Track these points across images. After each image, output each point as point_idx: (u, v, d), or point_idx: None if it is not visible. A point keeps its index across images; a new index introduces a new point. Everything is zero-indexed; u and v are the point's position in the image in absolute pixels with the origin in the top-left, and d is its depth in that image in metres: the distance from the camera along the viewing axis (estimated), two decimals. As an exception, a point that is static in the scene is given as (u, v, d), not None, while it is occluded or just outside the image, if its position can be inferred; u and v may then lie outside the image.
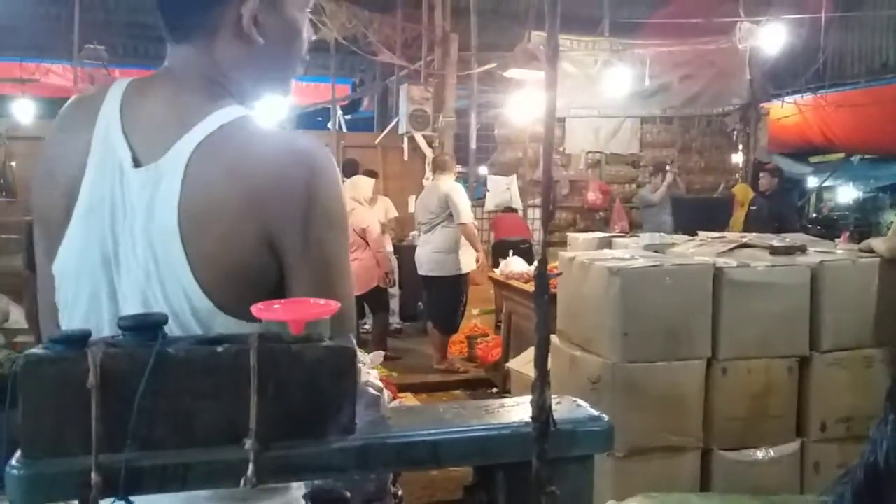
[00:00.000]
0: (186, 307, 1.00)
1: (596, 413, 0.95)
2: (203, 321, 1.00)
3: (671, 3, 8.62)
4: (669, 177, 8.28)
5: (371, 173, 7.32)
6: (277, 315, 0.84)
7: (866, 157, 12.25)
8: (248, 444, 0.80)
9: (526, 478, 0.86)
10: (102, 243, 1.04)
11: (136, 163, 1.03)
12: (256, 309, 0.85)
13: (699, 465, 2.86)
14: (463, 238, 6.09)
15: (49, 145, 1.14)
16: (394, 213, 7.60)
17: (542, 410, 0.76)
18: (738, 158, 9.57)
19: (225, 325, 1.00)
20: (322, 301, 0.88)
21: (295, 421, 0.83)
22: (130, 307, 1.02)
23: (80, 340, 0.79)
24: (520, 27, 8.27)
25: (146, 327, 0.81)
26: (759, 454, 2.87)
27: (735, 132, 9.41)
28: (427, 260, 6.17)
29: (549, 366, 2.88)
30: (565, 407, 0.96)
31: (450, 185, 6.12)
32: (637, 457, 2.74)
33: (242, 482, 0.79)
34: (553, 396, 0.90)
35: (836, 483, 0.43)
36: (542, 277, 0.77)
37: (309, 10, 1.21)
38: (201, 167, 1.01)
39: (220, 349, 0.81)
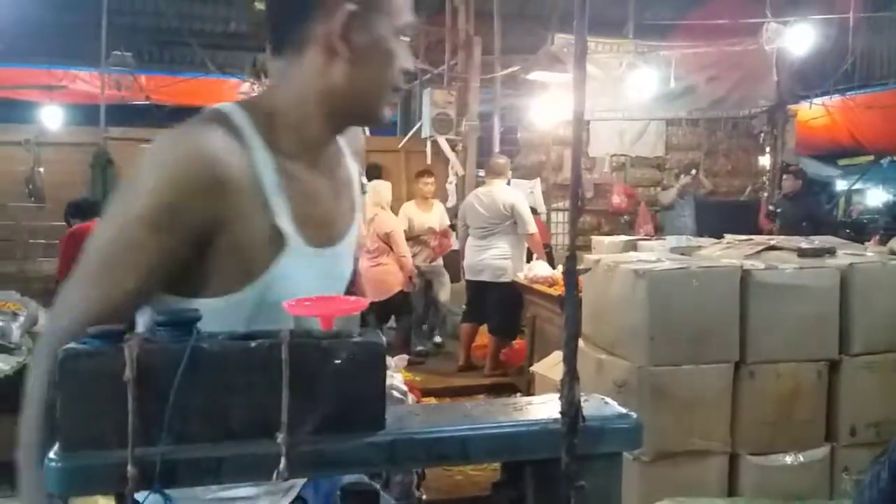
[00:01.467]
0: None
1: (624, 410, 0.95)
2: None
3: (697, 4, 8.56)
4: (684, 179, 8.23)
5: (376, 170, 7.32)
6: (309, 311, 0.85)
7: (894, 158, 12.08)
8: (280, 438, 0.81)
9: (554, 475, 0.86)
10: None
11: None
12: (288, 305, 0.86)
13: (727, 470, 2.84)
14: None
15: None
16: (447, 220, 7.28)
17: (571, 405, 0.76)
18: (765, 161, 9.47)
19: None
20: (352, 298, 0.89)
21: (325, 415, 0.84)
22: None
23: (116, 335, 0.81)
24: (543, 30, 8.25)
25: (181, 323, 0.83)
26: (788, 459, 2.84)
27: (762, 134, 9.31)
28: (489, 266, 6.08)
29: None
30: (593, 405, 0.96)
31: (513, 195, 6.11)
32: (664, 461, 2.73)
33: (275, 475, 0.80)
34: (581, 394, 0.91)
35: (873, 462, 0.43)
36: (570, 274, 0.78)
37: (407, 38, 1.18)
38: None
39: (253, 344, 0.82)
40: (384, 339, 0.88)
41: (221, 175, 1.04)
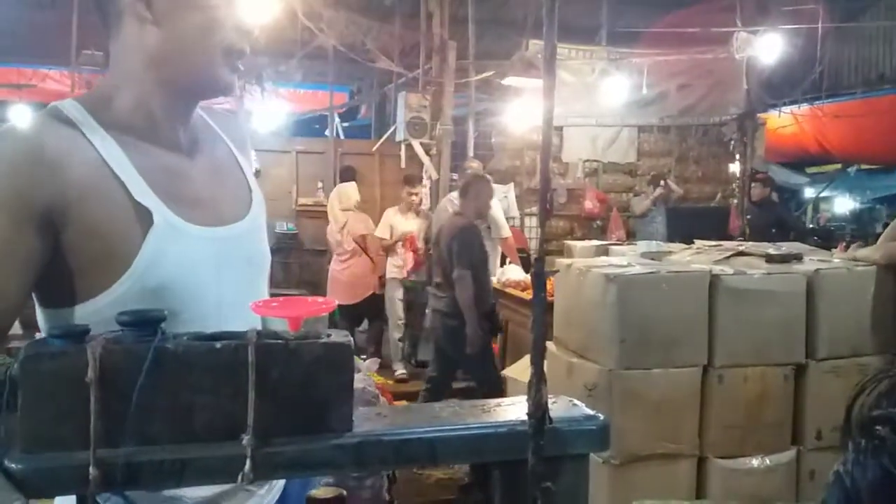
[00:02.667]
0: None
1: (592, 412, 0.95)
2: None
3: (669, 12, 8.65)
4: (659, 191, 8.31)
5: (350, 172, 7.26)
6: (275, 312, 0.85)
7: (863, 167, 12.29)
8: (246, 439, 0.80)
9: (522, 476, 0.86)
10: None
11: None
12: (255, 306, 0.86)
13: (695, 473, 2.86)
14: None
15: None
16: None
17: (538, 406, 0.77)
18: (735, 168, 9.59)
19: None
20: (320, 299, 0.88)
21: (292, 417, 0.84)
22: None
23: (79, 335, 0.80)
24: (518, 35, 8.28)
25: (145, 323, 0.82)
26: (755, 462, 2.87)
27: (732, 142, 9.42)
28: None
29: (546, 369, 2.87)
30: (561, 406, 0.97)
31: None
32: (633, 464, 2.75)
33: (240, 478, 0.80)
34: (549, 396, 0.91)
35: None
36: (538, 276, 0.78)
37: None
38: None
39: (218, 345, 0.82)
40: (353, 341, 0.88)
41: (52, 153, 1.02)
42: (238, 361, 0.81)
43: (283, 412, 0.83)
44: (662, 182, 8.45)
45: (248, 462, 0.80)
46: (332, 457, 0.84)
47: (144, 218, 1.06)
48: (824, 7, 8.02)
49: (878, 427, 0.40)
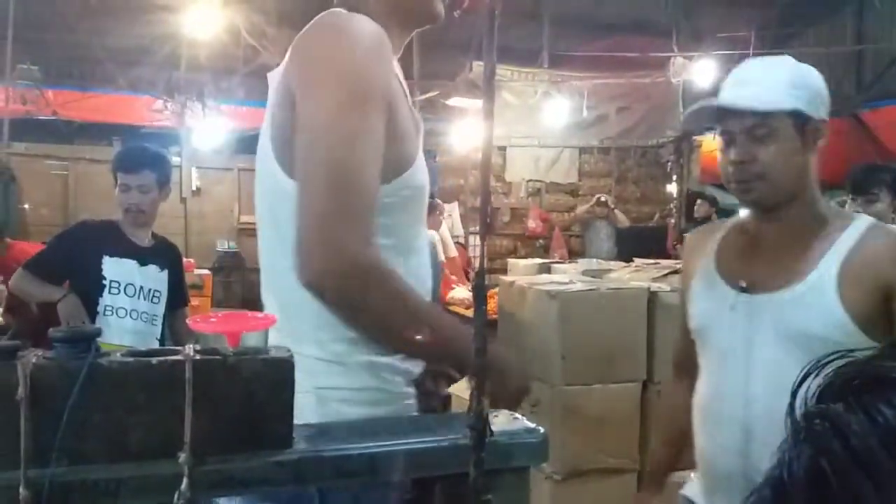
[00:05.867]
0: (270, 176, 1.18)
1: (532, 425, 0.97)
2: (276, 186, 1.15)
3: (608, 37, 8.85)
4: (589, 205, 8.50)
5: None
6: (213, 328, 0.84)
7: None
8: (183, 457, 0.79)
9: (464, 490, 0.87)
10: None
11: None
12: (193, 321, 0.85)
13: (635, 487, 2.90)
14: None
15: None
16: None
17: (479, 419, 0.77)
18: (672, 188, 9.83)
19: (290, 188, 1.10)
20: (260, 314, 0.88)
21: (231, 434, 0.83)
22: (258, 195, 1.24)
23: (10, 352, 0.78)
24: (462, 57, 8.38)
25: (78, 339, 0.80)
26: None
27: (669, 163, 9.67)
28: None
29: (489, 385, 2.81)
30: (502, 420, 0.98)
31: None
32: (575, 479, 2.77)
33: (176, 497, 0.78)
34: (491, 410, 0.92)
35: (744, 501, 0.45)
36: (479, 289, 0.79)
37: None
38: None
39: (154, 362, 0.80)
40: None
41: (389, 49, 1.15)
42: (175, 378, 0.80)
43: (221, 429, 0.82)
44: (603, 197, 8.60)
45: (185, 480, 0.78)
46: (271, 474, 0.83)
47: (417, 127, 1.21)
48: (756, 34, 8.32)
49: (816, 421, 0.41)
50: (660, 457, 1.86)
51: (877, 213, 3.07)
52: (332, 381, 1.11)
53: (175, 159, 7.74)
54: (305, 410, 1.01)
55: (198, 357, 0.81)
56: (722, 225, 1.61)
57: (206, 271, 7.55)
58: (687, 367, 1.62)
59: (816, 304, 1.32)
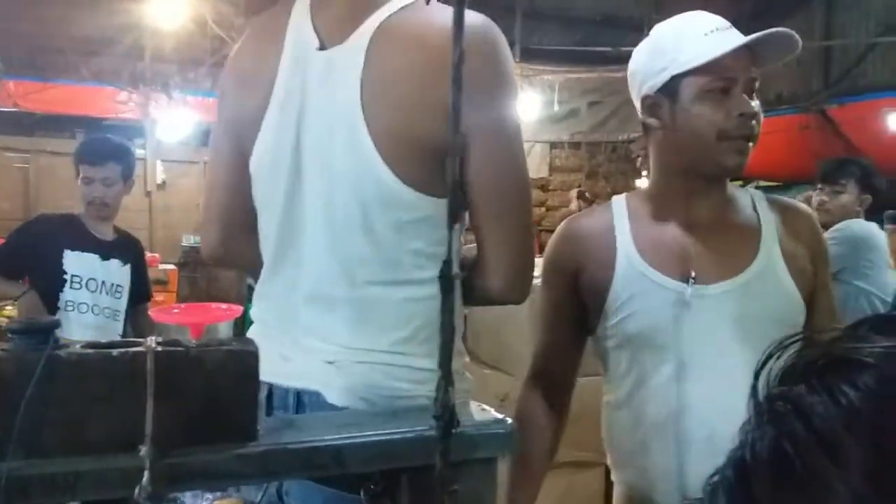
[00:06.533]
0: (369, 184, 1.04)
1: (500, 416, 0.96)
2: (387, 199, 1.04)
3: (580, 31, 8.89)
4: (581, 204, 8.55)
5: None
6: (176, 319, 0.82)
7: (762, 184, 12.90)
8: (144, 451, 0.77)
9: (430, 481, 0.86)
10: (294, 134, 1.09)
11: (322, 47, 1.09)
12: (155, 312, 0.83)
13: (604, 480, 2.92)
14: None
15: (241, 53, 1.21)
16: None
17: (445, 409, 0.77)
18: (641, 184, 9.92)
19: (410, 202, 1.04)
20: (224, 306, 0.86)
21: (194, 427, 0.81)
22: (313, 196, 1.08)
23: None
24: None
25: (36, 331, 0.78)
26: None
27: (639, 158, 9.75)
28: None
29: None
30: (469, 411, 0.98)
31: None
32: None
33: (137, 491, 0.77)
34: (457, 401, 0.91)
35: (706, 482, 0.45)
36: (446, 279, 0.79)
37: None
38: (384, 43, 1.05)
39: (115, 353, 0.79)
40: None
41: None
42: (136, 370, 0.78)
43: (184, 422, 0.81)
44: (587, 195, 8.68)
45: (146, 474, 0.77)
46: (235, 467, 0.82)
47: None
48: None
49: (779, 403, 0.41)
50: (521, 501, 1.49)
51: (842, 204, 3.11)
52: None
53: (139, 152, 7.62)
54: None
55: (160, 349, 0.79)
56: (603, 209, 1.40)
57: (171, 266, 7.44)
58: (551, 379, 1.49)
59: (773, 286, 1.24)
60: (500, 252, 1.04)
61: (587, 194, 8.68)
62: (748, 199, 1.34)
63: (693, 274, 1.25)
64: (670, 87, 1.26)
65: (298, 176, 1.10)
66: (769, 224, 1.29)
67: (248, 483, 0.90)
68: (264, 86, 1.12)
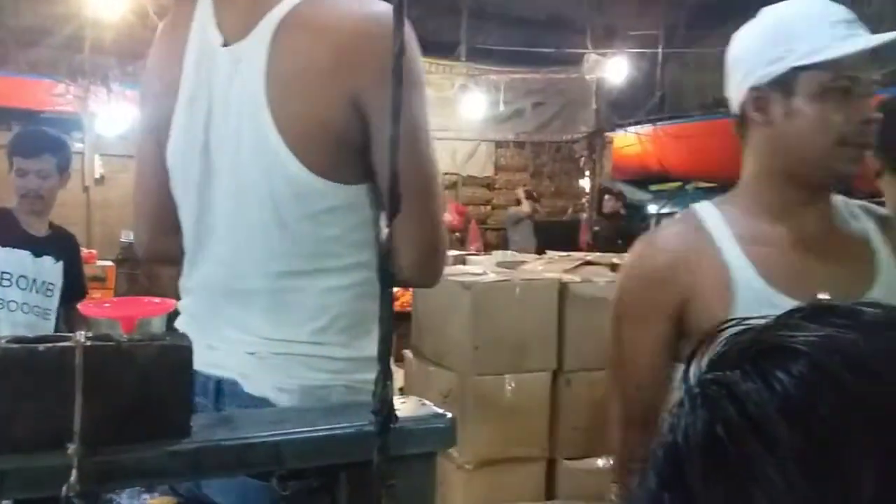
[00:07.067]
0: (278, 177, 1.04)
1: (440, 411, 0.96)
2: (298, 190, 1.04)
3: (526, 32, 8.96)
4: (531, 203, 8.64)
5: None
6: (106, 312, 0.80)
7: (700, 186, 13.19)
8: (72, 448, 0.75)
9: (369, 477, 0.86)
10: (202, 132, 1.10)
11: (226, 44, 1.09)
12: (84, 306, 0.81)
13: (545, 475, 2.95)
14: None
15: (152, 54, 1.22)
16: None
17: (384, 404, 0.77)
18: (584, 184, 10.05)
19: (321, 191, 1.05)
20: (157, 299, 0.84)
21: (125, 424, 0.79)
22: (224, 192, 1.09)
23: None
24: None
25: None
26: (601, 462, 3.00)
27: (582, 159, 9.88)
28: None
29: (403, 381, 2.84)
30: (410, 406, 0.97)
31: None
32: (486, 468, 2.79)
33: (65, 489, 0.74)
34: (399, 397, 0.91)
35: (636, 467, 0.45)
36: (384, 272, 0.78)
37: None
38: (287, 35, 1.05)
39: (41, 348, 0.76)
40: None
41: None
42: (64, 365, 0.76)
43: (114, 418, 0.79)
44: (534, 194, 8.77)
45: (74, 472, 0.75)
46: (167, 465, 0.80)
47: None
48: (665, 34, 8.58)
49: (713, 388, 0.42)
50: None
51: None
52: (362, 375, 1.10)
53: (77, 146, 7.41)
54: (333, 401, 1.08)
55: (89, 343, 0.77)
56: (685, 224, 1.26)
57: (108, 263, 7.26)
58: (644, 425, 1.24)
59: None
60: (407, 236, 1.05)
61: (534, 193, 8.76)
62: (840, 206, 1.23)
63: (823, 295, 1.09)
64: (785, 80, 1.11)
65: (210, 173, 1.11)
66: (876, 236, 1.20)
67: (180, 481, 0.88)
68: (174, 86, 1.13)
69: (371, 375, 1.02)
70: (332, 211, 1.07)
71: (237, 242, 1.11)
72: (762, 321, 0.44)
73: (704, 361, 0.44)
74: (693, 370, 0.45)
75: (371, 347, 1.08)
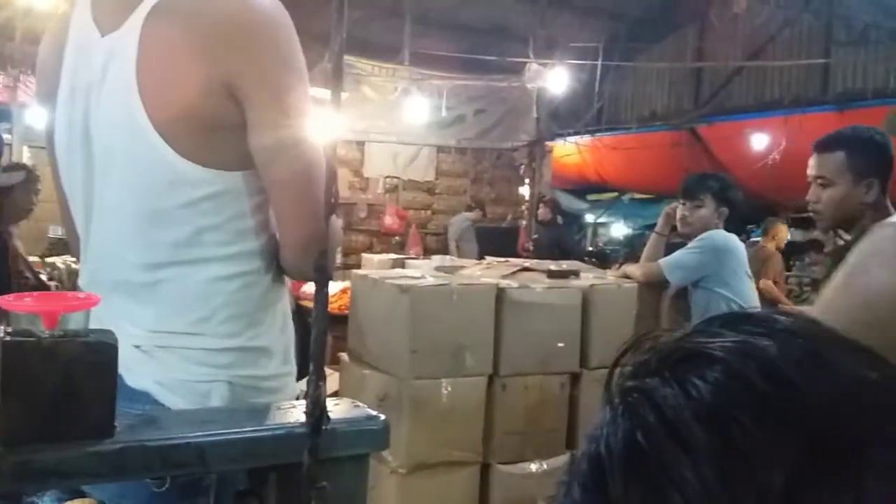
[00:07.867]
0: (152, 166, 1.03)
1: (373, 413, 0.96)
2: (173, 178, 1.03)
3: (469, 39, 9.02)
4: (477, 212, 8.73)
5: None
6: (28, 307, 0.77)
7: (636, 196, 13.48)
8: (-12, 448, 0.72)
9: (299, 478, 0.85)
10: (82, 127, 1.08)
11: (102, 37, 1.08)
12: (5, 301, 0.78)
13: (478, 480, 2.96)
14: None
15: (40, 54, 1.22)
16: None
17: (316, 405, 0.76)
18: (524, 191, 10.15)
19: (198, 179, 1.03)
20: (81, 294, 0.82)
21: (46, 422, 0.76)
22: (104, 184, 1.08)
23: None
24: (322, 47, 8.27)
25: None
26: (534, 467, 3.02)
27: (522, 167, 9.98)
28: None
29: (338, 384, 2.80)
30: (343, 408, 0.96)
31: None
32: (420, 472, 2.79)
33: (-22, 490, 0.72)
34: (333, 399, 0.90)
35: (560, 480, 0.46)
36: (320, 271, 0.78)
37: None
38: (158, 23, 1.04)
39: (-43, 343, 0.73)
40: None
41: None
42: (-19, 361, 0.73)
43: (35, 417, 0.76)
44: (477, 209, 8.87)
45: (-12, 472, 0.72)
46: (89, 465, 0.78)
47: None
48: (605, 47, 8.74)
49: (634, 395, 0.42)
50: None
51: (701, 217, 3.30)
52: (247, 370, 1.09)
53: (6, 136, 7.14)
54: (214, 399, 1.05)
55: (8, 338, 0.74)
56: None
57: (36, 259, 7.00)
58: None
59: None
60: (288, 226, 1.06)
61: (474, 206, 8.87)
62: None
63: None
64: None
65: (92, 167, 1.10)
66: None
67: (103, 482, 0.85)
68: (57, 82, 1.14)
69: (260, 371, 1.03)
70: (211, 198, 1.06)
71: (118, 234, 1.10)
72: (683, 330, 0.45)
73: (627, 370, 0.45)
74: (615, 379, 0.45)
75: (262, 338, 1.09)
